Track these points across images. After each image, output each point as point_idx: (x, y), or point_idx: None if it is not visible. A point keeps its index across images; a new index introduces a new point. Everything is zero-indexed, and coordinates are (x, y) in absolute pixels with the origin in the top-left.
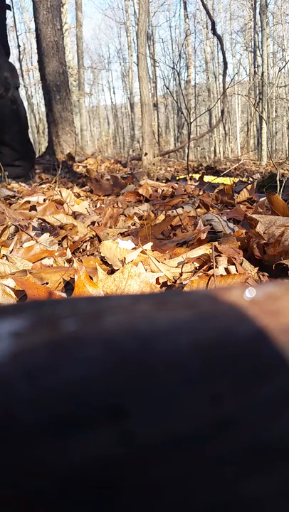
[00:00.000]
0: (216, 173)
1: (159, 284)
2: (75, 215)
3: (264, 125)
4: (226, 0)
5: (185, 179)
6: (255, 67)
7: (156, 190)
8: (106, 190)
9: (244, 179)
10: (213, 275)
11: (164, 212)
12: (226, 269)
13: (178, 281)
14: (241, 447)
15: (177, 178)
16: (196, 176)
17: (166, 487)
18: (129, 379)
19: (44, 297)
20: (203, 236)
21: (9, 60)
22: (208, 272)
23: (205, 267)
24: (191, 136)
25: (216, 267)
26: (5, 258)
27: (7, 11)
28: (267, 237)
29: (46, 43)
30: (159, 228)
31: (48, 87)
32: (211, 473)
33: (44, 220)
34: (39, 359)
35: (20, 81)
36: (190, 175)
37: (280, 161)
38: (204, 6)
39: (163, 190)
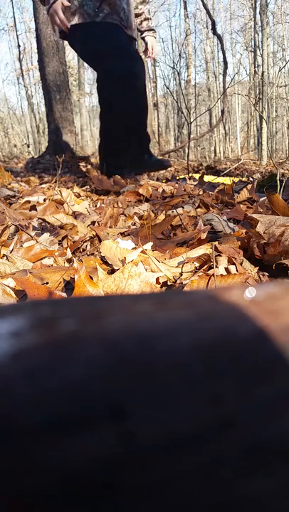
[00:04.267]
0: (216, 172)
1: (159, 283)
2: (75, 215)
3: (264, 125)
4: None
5: (185, 179)
6: (255, 67)
7: (157, 190)
8: (106, 190)
9: (244, 179)
10: (213, 275)
11: (164, 212)
12: (226, 269)
13: (178, 281)
14: (241, 448)
15: (177, 177)
16: (196, 176)
17: (166, 488)
18: (129, 379)
19: (44, 297)
20: (204, 236)
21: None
22: (208, 272)
23: (205, 266)
24: (191, 136)
25: (216, 266)
26: (5, 258)
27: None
28: (267, 236)
29: (46, 43)
30: (159, 228)
31: (48, 87)
32: (210, 474)
33: (44, 220)
34: (39, 359)
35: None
36: (190, 175)
37: (280, 160)
38: (204, 5)
39: (163, 190)
